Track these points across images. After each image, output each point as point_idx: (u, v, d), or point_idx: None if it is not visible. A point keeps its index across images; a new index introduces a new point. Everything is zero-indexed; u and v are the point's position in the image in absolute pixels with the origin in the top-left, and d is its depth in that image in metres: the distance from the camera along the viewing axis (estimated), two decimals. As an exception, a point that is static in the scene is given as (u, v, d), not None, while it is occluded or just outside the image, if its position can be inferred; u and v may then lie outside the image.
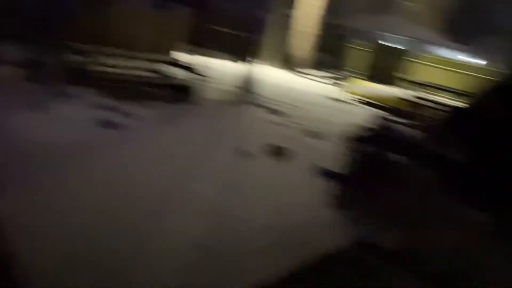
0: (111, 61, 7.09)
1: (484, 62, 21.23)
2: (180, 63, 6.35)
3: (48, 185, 2.70)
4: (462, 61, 18.68)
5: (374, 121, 3.40)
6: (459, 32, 24.72)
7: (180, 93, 5.98)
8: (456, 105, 7.03)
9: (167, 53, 7.14)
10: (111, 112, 4.47)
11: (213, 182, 3.37)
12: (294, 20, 14.84)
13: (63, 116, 4.03)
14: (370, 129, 3.29)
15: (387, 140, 3.15)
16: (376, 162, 3.21)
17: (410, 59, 17.72)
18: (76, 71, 5.36)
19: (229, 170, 3.75)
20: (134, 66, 7.13)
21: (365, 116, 3.55)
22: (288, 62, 15.24)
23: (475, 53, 23.79)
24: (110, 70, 6.07)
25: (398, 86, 14.46)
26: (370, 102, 9.91)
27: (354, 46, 19.64)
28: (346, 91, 9.85)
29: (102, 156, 3.41)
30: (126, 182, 3.04)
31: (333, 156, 3.62)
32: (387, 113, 8.46)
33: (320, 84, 10.55)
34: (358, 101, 10.18)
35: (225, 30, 13.03)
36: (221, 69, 9.88)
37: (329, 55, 18.47)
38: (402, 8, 22.80)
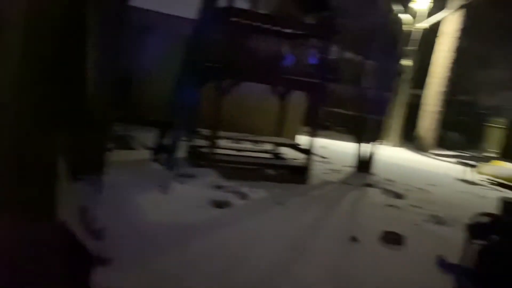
0: (233, 144, 7.67)
1: None
2: (299, 146, 6.49)
3: (171, 258, 2.90)
4: None
5: (502, 205, 2.90)
6: None
7: (296, 174, 6.04)
8: None
9: (288, 136, 7.45)
10: (225, 192, 4.67)
11: (317, 268, 3.18)
12: (423, 99, 14.55)
13: (180, 197, 4.32)
14: (494, 215, 2.82)
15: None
16: (501, 254, 2.70)
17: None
18: (200, 154, 5.87)
19: (335, 256, 3.52)
20: (256, 149, 7.58)
21: (495, 200, 3.09)
22: (415, 143, 14.67)
23: None
24: (231, 152, 6.53)
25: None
26: (503, 183, 8.91)
27: (487, 124, 18.27)
28: (477, 172, 8.95)
29: (216, 233, 3.52)
30: (227, 259, 3.07)
31: (455, 245, 3.16)
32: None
33: (449, 165, 9.79)
34: (490, 182, 9.21)
35: (347, 112, 13.15)
36: (343, 150, 10.10)
37: (460, 134, 17.35)
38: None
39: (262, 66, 5.61)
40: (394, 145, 14.15)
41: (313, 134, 6.09)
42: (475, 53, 20.98)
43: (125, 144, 6.16)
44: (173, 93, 5.70)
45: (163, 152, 5.55)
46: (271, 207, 4.60)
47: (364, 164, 7.57)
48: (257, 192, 4.99)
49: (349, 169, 7.68)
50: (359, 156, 7.60)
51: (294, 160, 6.84)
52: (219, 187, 4.77)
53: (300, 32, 6.20)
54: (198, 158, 5.79)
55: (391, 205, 5.57)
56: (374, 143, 7.65)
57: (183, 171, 5.05)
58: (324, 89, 5.88)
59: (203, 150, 5.84)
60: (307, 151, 6.09)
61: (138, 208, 3.82)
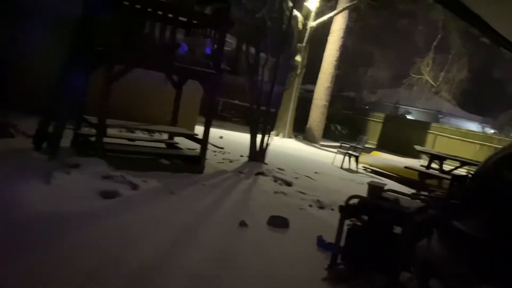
0: (125, 133, 7.38)
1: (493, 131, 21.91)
2: (195, 136, 6.48)
3: (43, 253, 2.71)
4: (475, 131, 18.76)
5: (369, 189, 3.28)
6: (472, 103, 25.40)
7: (190, 164, 6.03)
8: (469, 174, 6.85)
9: (185, 126, 7.39)
10: (114, 182, 4.48)
11: (204, 252, 3.25)
12: (314, 94, 15.49)
13: (64, 187, 4.04)
14: (362, 197, 3.17)
15: (380, 210, 3.01)
16: (366, 231, 3.07)
17: (430, 130, 17.87)
18: (88, 143, 5.55)
19: (223, 240, 3.63)
20: (150, 139, 7.39)
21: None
22: (305, 134, 15.58)
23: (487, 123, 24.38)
24: (123, 142, 6.29)
25: (418, 157, 14.36)
26: (378, 171, 10.00)
27: (368, 118, 20.36)
28: (357, 161, 9.96)
29: (99, 224, 3.36)
30: (118, 248, 2.98)
31: (333, 226, 3.48)
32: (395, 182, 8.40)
33: (334, 154, 10.66)
34: (368, 170, 10.26)
35: (244, 103, 13.46)
36: (239, 141, 10.38)
37: (345, 127, 18.92)
38: (417, 82, 23.44)
39: (154, 53, 5.47)
40: (286, 137, 14.86)
41: (209, 124, 6.12)
42: (360, 53, 23.07)
43: (3, 132, 5.56)
44: (59, 78, 5.29)
45: (45, 140, 5.12)
46: (163, 197, 4.54)
47: (258, 154, 7.85)
48: (150, 182, 4.87)
49: (243, 159, 7.90)
50: (253, 146, 7.86)
51: (189, 150, 6.83)
52: (107, 177, 4.54)
53: (196, 22, 6.18)
54: (85, 147, 5.47)
55: (280, 192, 5.87)
56: (267, 134, 7.98)
57: (68, 160, 4.72)
58: (219, 80, 5.94)
59: (91, 139, 5.52)
60: (202, 141, 6.11)
61: (14, 200, 3.49)
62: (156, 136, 8.16)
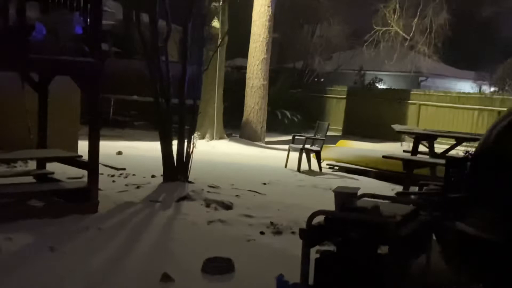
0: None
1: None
2: (77, 158, 6.29)
3: None
4: (470, 93, 19.97)
5: (336, 199, 3.33)
6: (460, 56, 26.95)
7: (76, 201, 5.85)
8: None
9: (61, 145, 7.16)
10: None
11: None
12: (246, 72, 15.64)
13: None
14: (328, 213, 3.22)
15: (355, 226, 3.07)
16: (336, 262, 3.11)
17: (410, 101, 18.76)
18: None
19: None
20: (9, 173, 7.04)
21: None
22: (242, 131, 15.75)
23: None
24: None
25: (399, 139, 14.99)
26: (348, 168, 10.43)
27: (325, 95, 21.09)
28: (320, 159, 10.22)
29: None
30: None
31: (296, 257, 3.49)
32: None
33: (285, 153, 10.85)
34: (335, 169, 10.63)
35: (145, 99, 13.33)
36: (146, 154, 10.34)
37: (295, 113, 19.32)
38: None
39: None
40: (216, 138, 14.96)
41: (96, 137, 5.95)
42: (302, 5, 23.60)
43: None
44: None
45: None
46: (39, 258, 4.34)
47: (177, 170, 7.77)
48: (16, 239, 4.67)
49: (157, 180, 7.84)
50: (168, 159, 7.77)
51: (72, 180, 6.62)
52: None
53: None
54: None
55: (217, 221, 5.85)
56: (188, 139, 7.92)
57: None
58: (101, 70, 5.80)
59: None
60: (90, 164, 5.94)
61: None
62: (20, 167, 7.88)
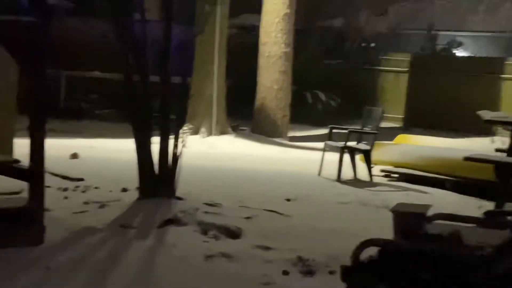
0: None
1: None
2: (15, 164, 6.34)
3: None
4: None
5: (396, 223, 3.34)
6: None
7: (11, 227, 5.89)
8: None
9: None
10: None
11: None
12: (258, 37, 15.64)
13: None
14: (384, 244, 3.23)
15: (426, 263, 3.08)
16: None
17: (504, 74, 18.60)
18: None
19: None
20: None
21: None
22: (253, 123, 15.77)
23: None
24: None
25: (487, 133, 14.92)
26: (413, 175, 10.44)
27: (378, 68, 20.98)
28: (366, 161, 10.23)
29: None
30: None
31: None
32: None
33: (318, 154, 10.87)
34: (391, 177, 10.68)
35: (113, 76, 13.40)
36: (114, 157, 10.54)
37: (331, 95, 19.30)
38: None
39: None
40: (216, 133, 14.98)
41: (40, 133, 5.99)
42: None
43: None
44: None
45: None
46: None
47: (158, 181, 7.81)
48: None
49: (129, 195, 7.90)
50: (146, 164, 7.81)
51: (7, 197, 6.61)
52: None
53: None
54: None
55: (218, 255, 5.87)
56: (175, 134, 7.95)
57: None
58: (47, 34, 5.85)
59: None
60: (33, 173, 5.98)
61: None
62: None
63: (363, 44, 23.37)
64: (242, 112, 16.29)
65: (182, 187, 7.92)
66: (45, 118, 6.16)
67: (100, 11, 11.57)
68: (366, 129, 10.49)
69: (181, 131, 8.11)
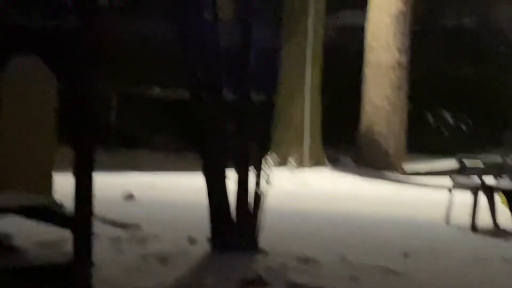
0: None
1: None
2: (53, 208, 6.49)
3: None
4: None
5: None
6: None
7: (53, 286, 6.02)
8: None
9: (26, 182, 7.36)
10: None
11: None
12: (364, 38, 15.65)
13: None
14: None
15: None
16: None
17: None
18: None
19: None
20: None
21: None
22: (356, 152, 15.71)
23: None
24: None
25: None
26: None
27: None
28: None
29: None
30: None
31: None
32: None
33: (445, 195, 10.75)
34: None
35: (180, 96, 13.64)
36: (180, 199, 10.63)
37: (462, 115, 19.09)
38: None
39: None
40: (308, 164, 15.12)
41: (86, 167, 6.10)
42: None
43: None
44: None
45: None
46: None
47: (236, 229, 7.83)
48: None
49: (197, 248, 7.93)
50: (220, 207, 7.85)
51: (42, 248, 6.72)
52: None
53: None
54: None
55: None
56: (256, 166, 7.98)
57: None
58: (92, 41, 5.96)
59: None
60: (77, 219, 6.09)
61: None
62: None
63: (501, 47, 23.12)
64: (342, 137, 16.27)
65: (266, 237, 7.94)
66: (93, 149, 6.25)
67: (159, 10, 11.75)
68: (509, 161, 10.32)
69: (264, 163, 8.13)
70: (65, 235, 6.24)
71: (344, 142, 16.17)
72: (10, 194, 6.76)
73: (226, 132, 8.08)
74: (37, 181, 8.61)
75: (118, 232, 8.58)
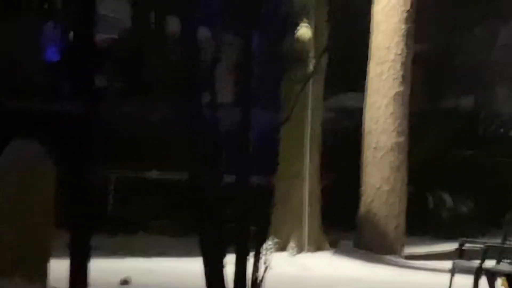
0: None
1: None
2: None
3: None
4: None
5: None
6: None
7: None
8: None
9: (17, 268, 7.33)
10: None
11: None
12: (363, 120, 15.73)
13: None
14: None
15: None
16: None
17: None
18: None
19: None
20: None
21: None
22: (356, 235, 15.69)
23: None
24: None
25: None
26: None
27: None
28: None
29: None
30: None
31: None
32: None
33: (446, 278, 10.73)
34: None
35: (173, 175, 13.70)
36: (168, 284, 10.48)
37: (463, 196, 19.08)
38: None
39: None
40: (310, 249, 14.99)
41: (83, 252, 6.09)
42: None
43: None
44: None
45: None
46: None
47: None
48: None
49: None
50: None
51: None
52: None
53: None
54: None
55: None
56: (256, 251, 7.95)
57: None
58: (91, 125, 5.98)
59: None
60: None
61: None
62: None
63: (501, 130, 23.20)
64: (342, 221, 16.24)
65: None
66: (89, 233, 6.24)
67: (160, 92, 11.81)
68: (510, 243, 10.29)
69: (263, 247, 8.11)
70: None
71: (345, 225, 16.12)
72: (4, 283, 6.73)
73: (225, 216, 8.07)
74: (32, 268, 8.59)
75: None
